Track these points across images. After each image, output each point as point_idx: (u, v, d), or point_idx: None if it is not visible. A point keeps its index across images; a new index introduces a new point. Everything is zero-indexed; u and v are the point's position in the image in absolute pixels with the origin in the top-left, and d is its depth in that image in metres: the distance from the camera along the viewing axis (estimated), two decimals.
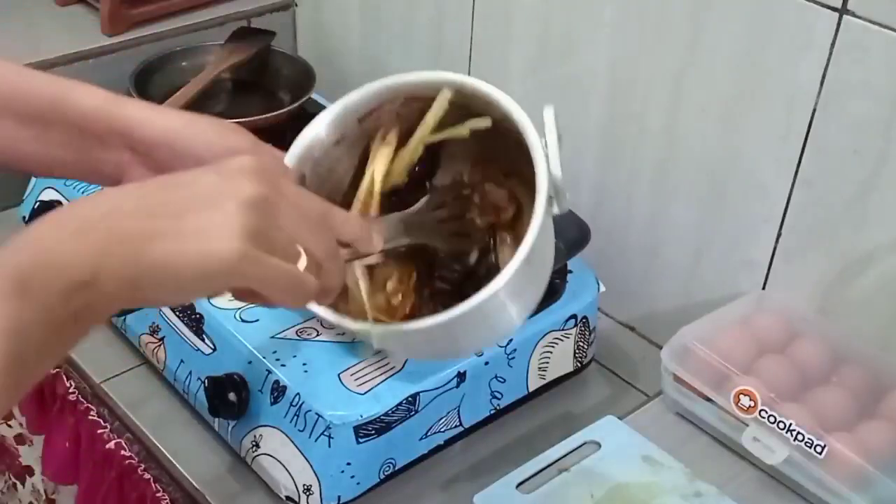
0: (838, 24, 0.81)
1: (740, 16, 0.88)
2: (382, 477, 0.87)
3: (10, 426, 1.28)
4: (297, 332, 0.87)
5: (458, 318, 0.59)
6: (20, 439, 1.27)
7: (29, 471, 1.29)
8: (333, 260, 0.54)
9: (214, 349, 0.90)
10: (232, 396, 0.84)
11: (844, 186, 0.86)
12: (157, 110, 0.62)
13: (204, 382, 0.87)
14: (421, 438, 0.87)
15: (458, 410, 0.88)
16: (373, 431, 0.82)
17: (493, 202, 0.68)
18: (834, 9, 0.81)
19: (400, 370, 0.84)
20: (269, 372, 0.84)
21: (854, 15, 0.80)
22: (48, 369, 0.47)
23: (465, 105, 0.66)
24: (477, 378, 0.88)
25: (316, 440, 0.81)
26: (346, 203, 0.67)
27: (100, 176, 0.62)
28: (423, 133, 0.66)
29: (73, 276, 0.44)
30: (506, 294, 0.61)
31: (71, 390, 1.07)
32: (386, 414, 0.82)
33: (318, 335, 0.87)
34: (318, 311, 0.61)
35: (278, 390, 0.83)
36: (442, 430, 0.88)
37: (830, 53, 0.82)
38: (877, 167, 0.83)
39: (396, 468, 0.88)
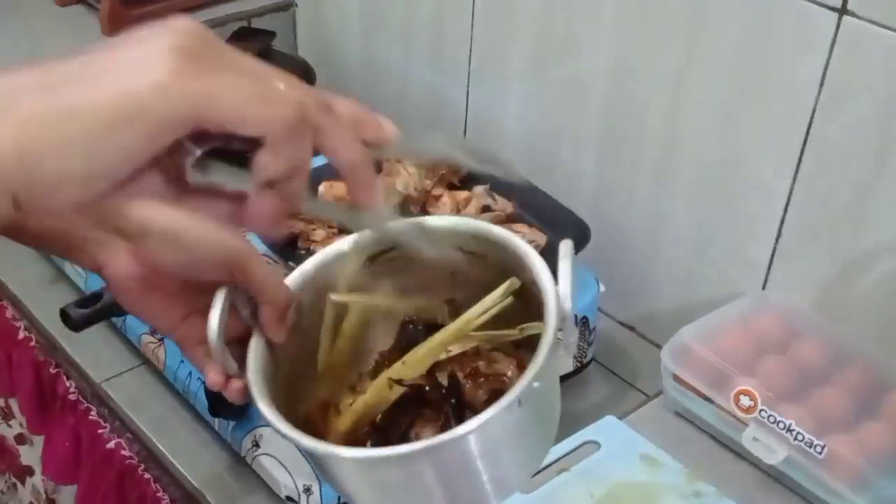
0: (838, 25, 0.81)
1: (740, 16, 0.88)
2: None
3: (10, 426, 1.28)
4: None
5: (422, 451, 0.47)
6: (20, 439, 1.27)
7: (29, 471, 1.29)
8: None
9: None
10: None
11: (844, 186, 0.86)
12: None
13: (204, 382, 0.86)
14: None
15: None
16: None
17: (497, 371, 0.56)
18: (834, 9, 0.81)
19: None
20: None
21: (854, 15, 0.80)
22: None
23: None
24: None
25: None
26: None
27: (82, 256, 0.49)
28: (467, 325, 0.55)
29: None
30: (485, 438, 0.49)
31: (71, 390, 1.07)
32: None
33: None
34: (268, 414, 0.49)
35: None
36: None
37: (830, 54, 0.82)
38: (877, 167, 0.83)
39: None
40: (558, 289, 0.50)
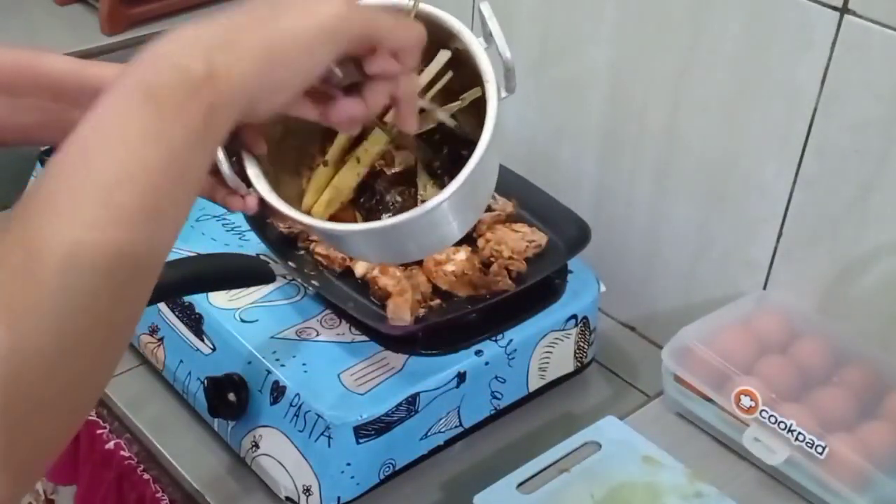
0: (839, 24, 0.81)
1: (741, 15, 0.88)
2: (382, 477, 0.87)
3: None
4: (296, 332, 0.87)
5: (408, 221, 0.59)
6: None
7: None
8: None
9: (214, 349, 0.89)
10: (231, 397, 0.84)
11: (845, 186, 0.86)
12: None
13: (203, 382, 0.86)
14: (421, 439, 0.87)
15: (458, 410, 0.88)
16: (372, 432, 0.82)
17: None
18: (835, 8, 0.81)
19: (400, 370, 0.84)
20: (269, 372, 0.84)
21: (855, 14, 0.80)
22: (192, 193, 0.49)
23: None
24: (477, 378, 0.87)
25: (316, 440, 0.81)
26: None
27: None
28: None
29: (194, 73, 0.47)
30: (455, 200, 0.60)
31: None
32: (386, 414, 0.82)
33: (317, 335, 0.86)
34: (274, 202, 0.62)
35: (278, 390, 0.83)
36: (442, 430, 0.88)
37: (831, 53, 0.82)
38: (878, 167, 0.83)
39: (396, 468, 0.87)
40: (496, 42, 0.63)
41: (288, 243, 0.90)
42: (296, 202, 0.64)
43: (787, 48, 0.85)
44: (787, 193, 0.90)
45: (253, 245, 0.90)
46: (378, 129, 0.65)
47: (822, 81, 0.84)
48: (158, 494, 0.95)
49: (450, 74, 0.65)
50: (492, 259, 0.88)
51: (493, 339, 0.87)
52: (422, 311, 0.83)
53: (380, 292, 0.84)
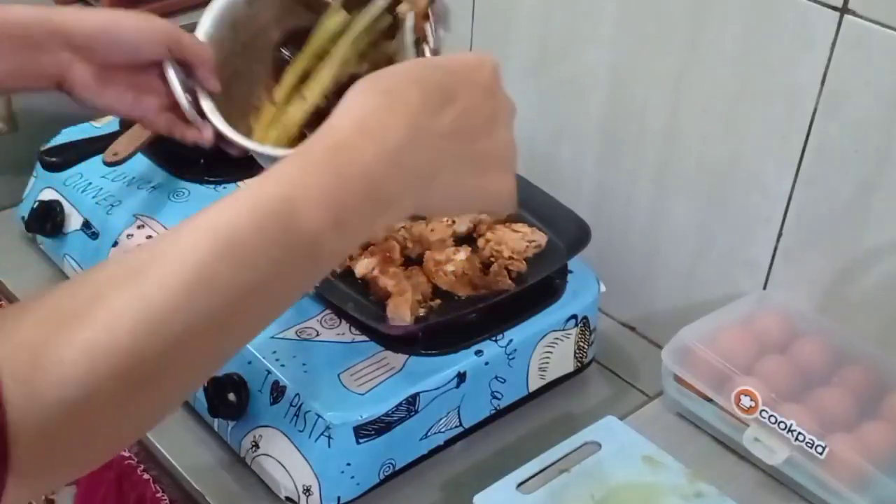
0: (839, 24, 0.81)
1: (741, 15, 0.88)
2: (382, 477, 0.86)
3: None
4: (296, 332, 0.86)
5: None
6: None
7: None
8: None
9: None
10: (231, 397, 0.84)
11: (845, 186, 0.86)
12: (88, 10, 0.77)
13: (204, 389, 0.86)
14: (421, 439, 0.87)
15: (459, 411, 0.88)
16: (372, 432, 0.82)
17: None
18: (835, 8, 0.81)
19: (400, 370, 0.84)
20: (269, 372, 0.84)
21: (855, 14, 0.80)
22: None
23: None
24: (477, 378, 0.87)
25: (316, 440, 0.81)
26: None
27: (42, 79, 0.71)
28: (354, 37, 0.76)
29: (385, 205, 0.50)
30: None
31: None
32: (386, 414, 0.81)
33: (317, 335, 0.86)
34: (228, 132, 0.70)
35: (278, 390, 0.83)
36: (442, 430, 0.87)
37: (831, 53, 0.82)
38: (878, 167, 0.83)
39: (396, 468, 0.87)
40: None
41: None
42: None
43: (787, 48, 0.85)
44: (788, 193, 0.90)
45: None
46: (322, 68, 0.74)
47: (823, 81, 0.84)
48: (158, 494, 0.95)
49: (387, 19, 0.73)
50: (492, 259, 0.88)
51: (493, 338, 0.87)
52: (422, 311, 0.83)
53: (380, 292, 0.84)
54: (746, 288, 0.98)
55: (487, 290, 0.86)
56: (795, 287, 0.94)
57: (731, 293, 0.98)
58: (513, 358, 0.89)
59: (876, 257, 0.87)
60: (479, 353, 0.86)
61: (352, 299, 0.85)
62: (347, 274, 0.87)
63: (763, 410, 0.82)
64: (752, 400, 0.83)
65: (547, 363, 0.93)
